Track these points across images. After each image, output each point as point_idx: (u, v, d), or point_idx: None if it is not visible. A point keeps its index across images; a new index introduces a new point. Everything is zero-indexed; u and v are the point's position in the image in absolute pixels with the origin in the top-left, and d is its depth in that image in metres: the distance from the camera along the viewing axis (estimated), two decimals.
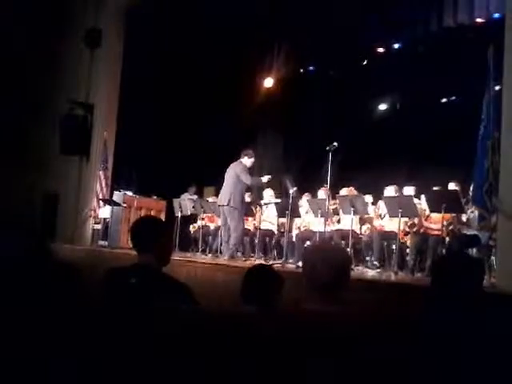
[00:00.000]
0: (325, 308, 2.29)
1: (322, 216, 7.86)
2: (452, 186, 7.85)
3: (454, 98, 11.21)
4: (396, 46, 9.97)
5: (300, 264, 7.23)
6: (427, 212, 7.70)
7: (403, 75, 10.20)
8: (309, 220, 8.89)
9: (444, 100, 11.37)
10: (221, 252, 8.93)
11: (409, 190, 8.35)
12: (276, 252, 9.73)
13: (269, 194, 9.74)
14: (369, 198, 8.93)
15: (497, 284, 5.65)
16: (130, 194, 10.13)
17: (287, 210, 8.15)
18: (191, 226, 10.95)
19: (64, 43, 11.23)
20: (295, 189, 8.29)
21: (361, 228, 8.68)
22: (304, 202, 9.04)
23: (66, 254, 8.81)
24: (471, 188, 6.77)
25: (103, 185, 10.47)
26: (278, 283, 3.03)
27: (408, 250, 7.98)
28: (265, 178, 8.58)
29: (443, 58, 9.55)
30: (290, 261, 8.31)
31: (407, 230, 7.95)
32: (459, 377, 2.01)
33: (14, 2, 10.84)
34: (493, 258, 6.56)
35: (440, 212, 6.86)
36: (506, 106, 5.95)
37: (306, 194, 9.56)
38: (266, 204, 9.39)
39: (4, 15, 10.60)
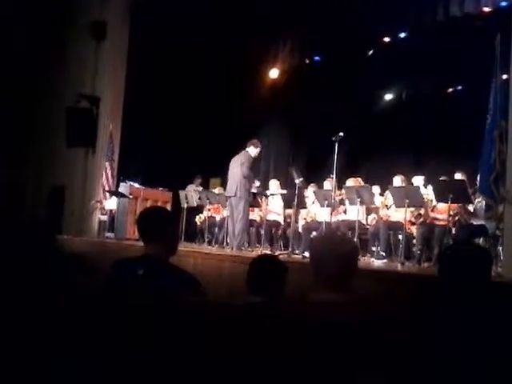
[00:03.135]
0: (332, 298, 2.29)
1: (328, 206, 7.86)
2: (458, 176, 7.83)
3: (460, 87, 11.17)
4: (402, 35, 9.91)
5: (306, 254, 7.24)
6: (434, 202, 7.69)
7: (409, 65, 10.16)
8: (315, 211, 8.89)
9: (450, 90, 11.32)
10: (227, 243, 8.95)
11: (418, 180, 8.33)
12: (282, 243, 9.74)
13: (275, 185, 9.75)
14: (376, 189, 8.91)
15: (503, 274, 5.65)
16: (136, 185, 10.14)
17: (293, 200, 8.15)
18: (197, 217, 10.96)
19: (70, 35, 11.20)
20: (301, 179, 8.28)
21: (367, 218, 8.67)
22: (310, 193, 9.04)
23: (72, 246, 8.85)
24: (478, 178, 6.75)
25: (109, 176, 10.47)
26: (283, 272, 3.03)
27: (414, 241, 7.97)
28: (257, 183, 8.72)
29: (450, 47, 9.49)
30: (297, 251, 8.31)
31: (413, 220, 7.94)
32: (466, 366, 2.01)
33: None
34: (499, 247, 6.55)
35: (447, 202, 6.85)
36: None
37: (312, 184, 9.55)
38: (272, 195, 9.40)
39: (9, 8, 10.58)
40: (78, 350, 2.12)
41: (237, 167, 8.38)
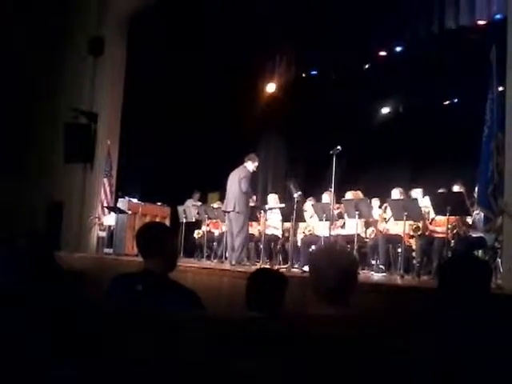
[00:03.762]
0: (331, 312, 2.28)
1: (326, 220, 7.85)
2: (457, 188, 7.83)
3: (456, 100, 11.21)
4: (398, 49, 9.96)
5: (305, 269, 7.22)
6: (432, 215, 7.69)
7: (406, 78, 10.21)
8: (313, 224, 8.88)
9: (447, 102, 11.37)
10: (226, 258, 8.93)
11: (417, 193, 8.33)
12: (281, 257, 9.72)
13: (273, 199, 9.74)
14: (375, 202, 8.91)
15: (503, 285, 5.64)
16: (134, 200, 10.14)
17: (292, 214, 8.15)
18: (196, 232, 10.94)
19: (67, 51, 11.26)
20: (299, 193, 8.28)
21: (366, 231, 8.66)
22: (308, 207, 9.03)
23: (71, 262, 8.83)
24: (476, 190, 6.76)
25: (107, 192, 10.48)
26: (283, 284, 3.01)
27: (414, 253, 7.96)
28: (254, 198, 8.76)
29: (445, 60, 9.56)
30: (296, 265, 8.29)
31: (412, 233, 7.93)
32: (466, 378, 2.00)
33: (16, 10, 10.88)
34: (498, 259, 6.54)
35: (445, 214, 6.84)
36: (510, 107, 5.94)
37: (311, 198, 9.55)
38: (270, 209, 9.39)
39: (6, 24, 10.63)
40: (76, 365, 2.11)
41: (235, 182, 8.40)
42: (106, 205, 10.40)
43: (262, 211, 9.37)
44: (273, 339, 1.99)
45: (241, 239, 8.32)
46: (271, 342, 1.98)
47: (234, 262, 8.18)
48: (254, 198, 8.94)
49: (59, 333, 2.14)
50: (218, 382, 1.99)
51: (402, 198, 8.01)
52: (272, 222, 9.56)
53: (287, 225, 9.24)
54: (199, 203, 11.31)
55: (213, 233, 10.56)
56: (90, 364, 2.11)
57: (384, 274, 7.76)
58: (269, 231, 9.47)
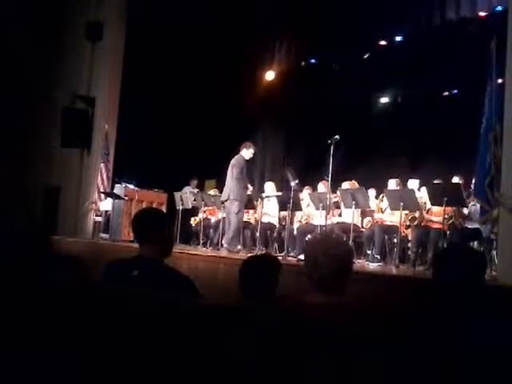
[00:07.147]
0: (326, 300, 2.29)
1: (323, 209, 7.86)
2: (456, 179, 7.85)
3: (456, 91, 11.20)
4: (398, 38, 9.93)
5: (301, 257, 7.24)
6: (428, 205, 7.70)
7: (405, 68, 10.19)
8: (310, 213, 8.89)
9: (446, 93, 11.35)
10: (222, 245, 8.96)
11: (413, 183, 8.34)
12: (277, 245, 9.74)
13: (270, 187, 9.75)
14: (372, 192, 8.92)
15: (498, 277, 5.66)
16: (131, 186, 10.13)
17: (288, 203, 8.16)
18: (192, 219, 10.95)
19: (65, 36, 11.19)
20: (296, 182, 8.29)
21: (362, 221, 8.67)
22: (305, 195, 9.04)
23: (67, 247, 8.84)
24: (473, 181, 6.77)
25: (104, 178, 10.46)
26: (275, 268, 3.01)
27: (409, 244, 7.98)
28: (250, 188, 8.93)
29: (445, 51, 9.53)
30: (291, 254, 8.31)
31: (408, 223, 7.95)
32: (461, 368, 2.01)
33: None
34: (493, 251, 6.56)
35: (441, 205, 6.85)
36: (508, 99, 5.93)
37: (307, 187, 9.55)
38: (267, 197, 9.40)
39: (4, 8, 10.56)
40: (71, 352, 2.12)
41: (229, 170, 8.54)
42: (102, 190, 10.38)
43: (259, 199, 9.38)
44: (267, 327, 2.00)
45: (234, 224, 8.45)
46: (265, 330, 1.98)
47: (225, 245, 8.29)
48: (251, 188, 8.93)
49: (59, 321, 2.15)
50: (212, 369, 1.99)
51: (398, 188, 8.02)
52: (268, 210, 9.56)
53: (284, 213, 9.25)
54: (196, 190, 11.31)
55: (209, 220, 10.56)
56: (87, 355, 2.11)
57: (379, 263, 7.78)
58: (265, 219, 9.47)
